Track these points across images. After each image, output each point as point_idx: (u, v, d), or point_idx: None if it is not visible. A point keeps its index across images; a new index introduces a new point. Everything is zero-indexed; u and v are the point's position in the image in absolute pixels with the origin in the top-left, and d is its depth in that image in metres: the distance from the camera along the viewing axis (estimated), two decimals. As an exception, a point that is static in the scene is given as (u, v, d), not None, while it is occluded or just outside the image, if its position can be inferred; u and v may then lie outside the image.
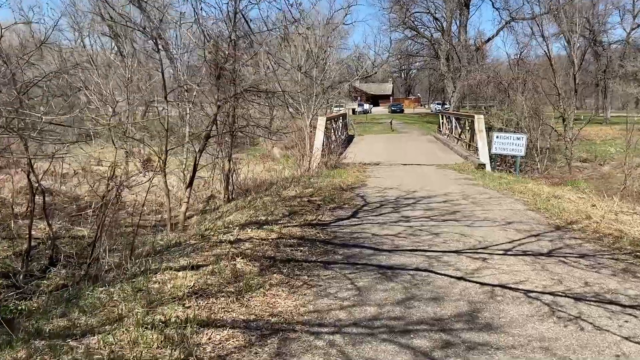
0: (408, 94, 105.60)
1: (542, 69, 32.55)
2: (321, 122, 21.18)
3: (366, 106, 74.15)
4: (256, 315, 4.77)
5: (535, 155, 22.43)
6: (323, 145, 19.96)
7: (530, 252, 6.94)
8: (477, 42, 54.79)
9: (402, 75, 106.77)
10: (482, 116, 21.68)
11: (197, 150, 9.90)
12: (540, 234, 8.05)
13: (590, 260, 6.53)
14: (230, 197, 12.14)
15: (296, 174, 16.41)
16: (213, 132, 11.26)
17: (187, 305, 4.90)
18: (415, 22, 59.07)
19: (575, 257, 6.70)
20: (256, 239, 7.48)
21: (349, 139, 31.82)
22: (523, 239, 7.73)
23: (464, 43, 50.44)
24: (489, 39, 57.58)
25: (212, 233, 7.87)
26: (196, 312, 4.70)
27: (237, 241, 7.31)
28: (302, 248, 7.07)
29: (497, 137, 17.42)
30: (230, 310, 4.84)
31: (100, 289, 5.48)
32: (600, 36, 59.50)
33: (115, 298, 5.18)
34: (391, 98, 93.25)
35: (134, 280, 5.73)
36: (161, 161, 9.20)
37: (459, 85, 42.93)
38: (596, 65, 58.18)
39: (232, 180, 12.44)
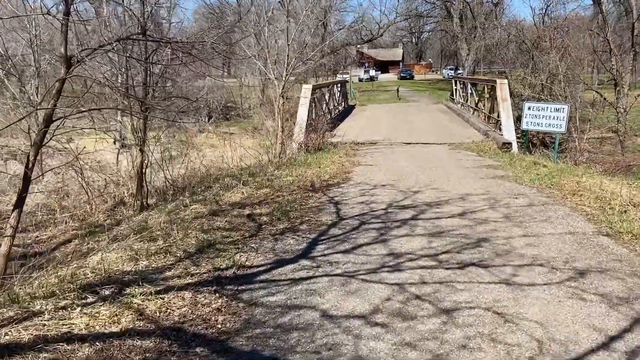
0: (419, 60, 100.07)
1: (577, 25, 27.78)
2: (306, 92, 17.07)
3: (372, 72, 69.28)
4: None
5: (573, 130, 18.25)
6: (307, 121, 15.90)
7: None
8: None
9: (413, 40, 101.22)
10: (505, 81, 17.45)
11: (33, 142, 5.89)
12: (655, 311, 4.08)
13: None
14: (145, 202, 8.28)
15: (265, 160, 12.49)
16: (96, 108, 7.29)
17: None
18: (426, -21, 53.82)
19: None
20: (71, 342, 3.61)
21: (348, 110, 27.68)
22: (627, 330, 3.77)
23: None
24: (508, -6, 52.12)
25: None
26: None
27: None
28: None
29: (529, 108, 13.30)
30: None
31: None
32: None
33: None
34: (401, 64, 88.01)
35: None
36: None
37: (474, 46, 38.21)
38: (626, 23, 52.70)
39: (146, 178, 8.55)
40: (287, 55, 12.36)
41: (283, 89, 12.89)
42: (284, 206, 7.47)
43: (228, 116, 40.90)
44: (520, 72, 25.33)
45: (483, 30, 35.73)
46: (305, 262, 5.26)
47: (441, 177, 9.94)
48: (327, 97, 22.39)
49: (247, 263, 5.24)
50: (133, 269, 5.03)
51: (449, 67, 72.98)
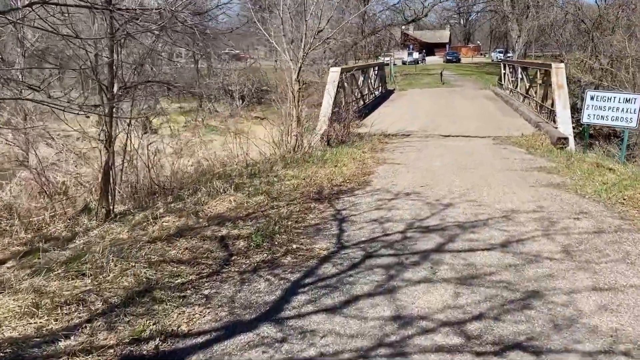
0: (467, 42, 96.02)
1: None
2: (333, 76, 15.33)
3: (416, 55, 66.31)
4: None
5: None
6: (333, 109, 14.12)
7: None
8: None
9: (461, 22, 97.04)
10: (562, 65, 15.23)
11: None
12: None
13: None
14: (112, 210, 6.77)
15: (277, 155, 10.85)
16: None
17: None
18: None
19: None
20: None
21: (385, 96, 25.67)
22: None
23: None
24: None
25: None
26: None
27: None
28: None
29: (592, 97, 11.17)
30: None
31: None
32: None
33: None
34: (448, 46, 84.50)
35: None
36: None
37: (526, 27, 35.26)
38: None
39: (114, 178, 7.02)
40: (305, 34, 10.63)
41: (299, 72, 11.15)
42: (272, 224, 5.81)
43: (263, 100, 39.41)
44: (579, 55, 22.70)
45: (537, 9, 32.85)
46: (267, 330, 3.59)
47: (481, 183, 8.08)
48: (360, 81, 20.52)
49: (183, 327, 3.62)
50: (17, 334, 3.49)
51: (498, 50, 69.23)
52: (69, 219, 6.90)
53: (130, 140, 8.27)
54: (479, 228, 5.80)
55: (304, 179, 8.27)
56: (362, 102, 19.93)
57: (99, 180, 6.69)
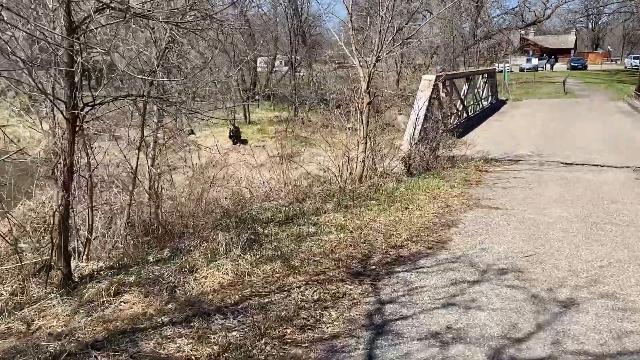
0: (595, 48, 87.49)
1: None
2: (425, 85, 12.68)
3: (535, 61, 60.84)
4: None
5: None
6: (420, 128, 11.31)
7: None
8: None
9: (589, 25, 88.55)
10: None
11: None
12: None
13: None
14: (69, 274, 4.77)
15: (338, 184, 8.50)
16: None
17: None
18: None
19: None
20: None
21: (495, 107, 22.33)
22: None
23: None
24: None
25: None
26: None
27: None
28: None
29: None
30: None
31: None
32: None
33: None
34: (572, 52, 77.27)
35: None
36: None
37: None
38: None
39: (90, 225, 5.02)
40: (379, 32, 8.22)
41: (369, 81, 8.76)
42: (258, 334, 3.50)
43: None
44: None
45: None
46: None
47: (623, 254, 5.21)
48: (464, 90, 17.64)
49: None
50: None
51: (632, 56, 61.59)
52: (21, 282, 5.04)
53: (137, 168, 6.35)
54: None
55: (352, 231, 5.86)
56: (465, 115, 17.03)
57: (54, 230, 4.77)
